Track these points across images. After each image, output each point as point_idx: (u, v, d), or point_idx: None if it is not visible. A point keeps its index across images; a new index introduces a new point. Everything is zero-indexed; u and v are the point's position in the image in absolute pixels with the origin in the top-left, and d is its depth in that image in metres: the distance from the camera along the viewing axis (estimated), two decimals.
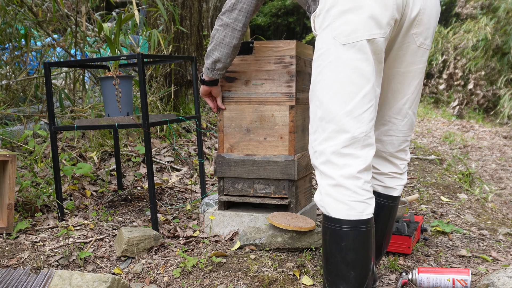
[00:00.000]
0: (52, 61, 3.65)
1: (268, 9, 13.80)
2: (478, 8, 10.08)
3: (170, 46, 4.22)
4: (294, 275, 1.92)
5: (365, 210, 1.44)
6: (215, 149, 3.97)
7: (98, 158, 3.42)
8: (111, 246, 2.31)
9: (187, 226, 2.54)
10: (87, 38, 4.26)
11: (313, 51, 1.80)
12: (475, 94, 9.81)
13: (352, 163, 1.43)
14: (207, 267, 1.98)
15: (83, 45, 4.16)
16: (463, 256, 2.31)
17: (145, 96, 2.29)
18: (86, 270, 2.11)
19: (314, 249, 2.12)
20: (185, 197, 3.05)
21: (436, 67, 10.62)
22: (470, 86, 9.83)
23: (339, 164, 1.44)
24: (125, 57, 2.37)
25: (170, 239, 2.38)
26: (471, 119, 9.23)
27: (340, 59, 1.42)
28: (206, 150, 3.90)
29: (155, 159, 3.57)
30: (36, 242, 2.29)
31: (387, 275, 2.07)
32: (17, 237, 2.34)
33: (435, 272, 1.96)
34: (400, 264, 2.17)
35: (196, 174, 3.44)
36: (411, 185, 3.59)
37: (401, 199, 2.37)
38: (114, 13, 4.49)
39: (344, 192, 1.43)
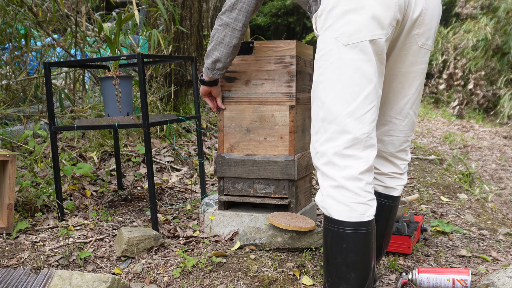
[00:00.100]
0: (52, 61, 3.66)
1: (268, 9, 13.80)
2: (478, 8, 10.08)
3: (170, 46, 4.22)
4: (294, 275, 1.92)
5: (367, 211, 1.44)
6: (215, 149, 3.97)
7: (98, 158, 3.42)
8: (111, 246, 2.31)
9: (187, 226, 2.54)
10: (87, 38, 4.26)
11: (314, 51, 1.80)
12: (475, 94, 9.81)
13: (354, 164, 1.43)
14: (207, 267, 1.98)
15: (83, 45, 4.16)
16: (463, 256, 2.31)
17: (145, 96, 2.29)
18: (86, 270, 2.11)
19: (314, 249, 2.12)
20: (185, 197, 3.05)
21: (436, 67, 10.62)
22: (470, 86, 9.83)
23: (341, 165, 1.43)
24: (125, 57, 2.37)
25: (170, 239, 2.38)
26: (471, 119, 9.23)
27: (342, 59, 1.42)
28: (206, 150, 3.90)
29: (155, 159, 3.57)
30: (36, 242, 2.29)
31: (387, 275, 2.07)
32: (17, 237, 2.34)
33: (435, 272, 1.96)
34: (400, 264, 2.17)
35: (196, 174, 3.44)
36: (411, 185, 3.59)
37: (401, 199, 2.37)
38: (114, 13, 4.49)
39: (345, 194, 1.43)
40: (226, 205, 2.37)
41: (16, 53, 4.45)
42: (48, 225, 2.50)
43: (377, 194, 1.75)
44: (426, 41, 1.57)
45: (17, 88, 4.42)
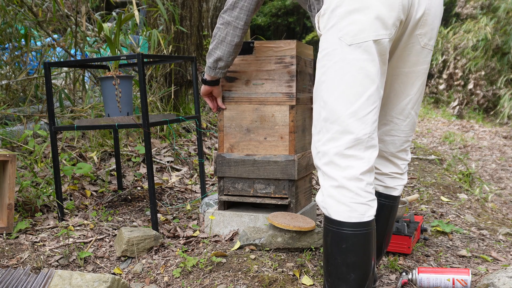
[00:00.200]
0: (52, 61, 3.66)
1: (268, 9, 13.80)
2: (478, 8, 10.08)
3: (170, 46, 4.22)
4: (294, 275, 1.92)
5: (367, 212, 1.44)
6: (215, 149, 3.97)
7: (98, 158, 3.42)
8: (111, 246, 2.31)
9: (187, 226, 2.54)
10: (87, 38, 4.26)
11: (314, 51, 1.79)
12: (475, 94, 9.81)
13: (355, 165, 1.43)
14: (207, 267, 1.98)
15: (83, 45, 4.16)
16: (463, 256, 2.31)
17: (145, 96, 2.29)
18: (86, 270, 2.11)
19: (314, 249, 2.12)
20: (185, 197, 3.05)
21: (436, 67, 10.62)
22: (470, 86, 9.83)
23: (342, 166, 1.43)
24: (125, 57, 2.37)
25: (170, 239, 2.38)
26: (471, 119, 9.23)
27: (346, 59, 1.41)
28: (206, 150, 3.90)
29: (155, 159, 3.57)
30: (36, 242, 2.29)
31: (387, 275, 2.07)
32: (17, 237, 2.34)
33: (435, 272, 1.96)
34: (400, 264, 2.17)
35: (196, 174, 3.44)
36: (411, 185, 3.59)
37: (401, 199, 2.37)
38: (114, 13, 4.49)
39: (346, 194, 1.43)
40: (226, 205, 2.37)
41: (16, 53, 4.45)
42: (48, 225, 2.50)
43: (377, 194, 1.75)
44: (429, 41, 1.57)
45: (17, 88, 4.42)
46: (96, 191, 3.02)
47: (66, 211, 2.67)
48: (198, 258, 2.06)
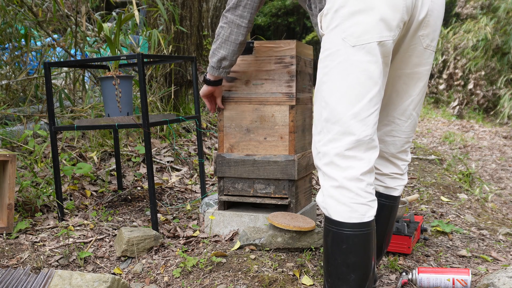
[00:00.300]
0: (52, 61, 3.66)
1: (268, 9, 13.81)
2: (478, 8, 10.08)
3: (170, 46, 4.22)
4: (294, 275, 1.92)
5: (367, 212, 1.44)
6: (215, 149, 3.97)
7: (98, 158, 3.42)
8: (111, 246, 2.31)
9: (187, 226, 2.54)
10: (87, 38, 4.26)
11: (314, 51, 1.79)
12: (475, 94, 9.81)
13: (356, 165, 1.43)
14: (207, 267, 1.98)
15: (83, 45, 4.16)
16: (463, 256, 2.31)
17: (145, 96, 2.29)
18: (86, 270, 2.11)
19: (314, 249, 2.12)
20: (185, 197, 3.05)
21: (436, 67, 10.63)
22: (470, 86, 9.83)
23: (343, 166, 1.43)
24: (125, 57, 2.37)
25: (170, 239, 2.38)
26: (471, 119, 9.23)
27: (349, 60, 1.41)
28: (206, 150, 3.90)
29: (155, 159, 3.57)
30: (36, 242, 2.29)
31: (387, 275, 2.07)
32: (17, 237, 2.34)
33: (435, 272, 1.96)
34: (400, 264, 2.17)
35: (196, 174, 3.44)
36: (411, 185, 3.59)
37: (401, 199, 2.37)
38: (114, 13, 4.49)
39: (346, 194, 1.42)
40: (226, 205, 2.37)
41: (16, 53, 4.45)
42: (48, 225, 2.50)
43: (378, 194, 1.75)
44: (431, 42, 1.57)
45: (17, 88, 4.42)
46: (96, 191, 3.02)
47: (66, 211, 2.67)
48: (198, 258, 2.06)
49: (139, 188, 3.13)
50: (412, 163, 4.43)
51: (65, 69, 4.28)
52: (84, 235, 2.39)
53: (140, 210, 2.79)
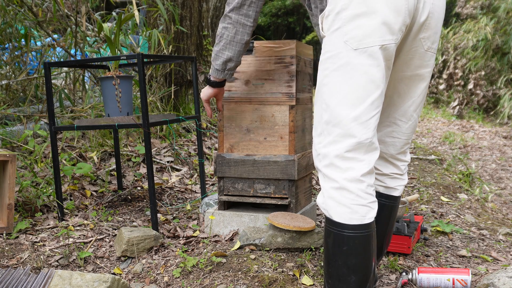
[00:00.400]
0: (52, 61, 3.66)
1: (268, 9, 13.81)
2: (478, 8, 10.08)
3: (170, 46, 4.22)
4: (294, 275, 1.92)
5: (368, 214, 1.43)
6: (215, 149, 3.97)
7: (98, 158, 3.42)
8: (111, 246, 2.31)
9: (187, 226, 2.54)
10: (87, 38, 4.26)
11: (314, 51, 1.78)
12: (475, 94, 9.81)
13: (356, 166, 1.42)
14: (207, 267, 1.98)
15: (83, 45, 4.16)
16: (463, 256, 2.31)
17: (145, 96, 2.29)
18: (86, 270, 2.11)
19: (314, 249, 2.12)
20: (185, 197, 3.05)
21: (436, 67, 10.62)
22: (470, 86, 9.83)
23: (343, 167, 1.43)
24: (125, 57, 2.37)
25: (170, 239, 2.38)
26: (471, 119, 9.23)
27: (351, 64, 1.40)
28: (206, 150, 3.90)
29: (155, 159, 3.57)
30: (36, 242, 2.29)
31: (387, 275, 2.07)
32: (17, 237, 2.34)
33: (435, 272, 1.96)
34: (400, 264, 2.17)
35: (196, 174, 3.44)
36: (411, 185, 3.59)
37: (401, 199, 2.37)
38: (114, 13, 4.49)
39: (347, 196, 1.42)
40: (226, 205, 2.37)
41: (16, 53, 4.45)
42: (48, 225, 2.50)
43: (378, 194, 1.75)
44: (432, 45, 1.56)
45: (17, 88, 4.42)
46: (96, 191, 3.02)
47: (66, 211, 2.67)
48: (198, 258, 2.06)
49: (139, 188, 3.13)
50: (412, 163, 4.43)
51: (65, 69, 4.28)
52: (84, 235, 2.39)
53: (140, 210, 2.79)
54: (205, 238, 2.32)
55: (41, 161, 3.21)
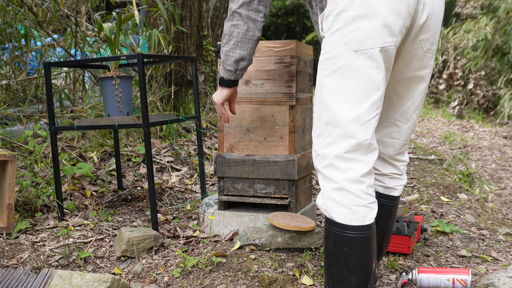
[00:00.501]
0: (52, 61, 3.66)
1: None
2: (478, 8, 10.08)
3: (170, 46, 4.22)
4: (294, 275, 1.92)
5: (368, 214, 1.43)
6: (215, 149, 3.97)
7: (98, 158, 3.42)
8: (111, 246, 2.31)
9: (187, 226, 2.54)
10: (87, 38, 4.26)
11: (314, 51, 1.78)
12: (475, 94, 9.81)
13: (355, 167, 1.42)
14: (207, 267, 1.98)
15: (83, 45, 4.17)
16: (463, 256, 2.31)
17: (145, 96, 2.29)
18: (86, 270, 2.11)
19: (314, 249, 2.12)
20: (185, 197, 3.05)
21: (436, 67, 10.63)
22: (470, 86, 9.83)
23: (342, 168, 1.42)
24: (125, 57, 2.37)
25: (170, 239, 2.38)
26: (471, 119, 9.23)
27: (351, 65, 1.40)
28: (206, 150, 3.90)
29: (155, 159, 3.57)
30: (36, 242, 2.29)
31: (387, 275, 2.07)
32: (17, 237, 2.34)
33: (435, 272, 1.96)
34: (400, 264, 2.17)
35: (196, 174, 3.44)
36: (411, 185, 3.59)
37: (401, 199, 2.37)
38: (114, 13, 4.49)
39: (347, 196, 1.42)
40: (226, 205, 2.37)
41: (16, 53, 4.45)
42: (48, 225, 2.50)
43: (378, 194, 1.75)
44: (431, 46, 1.56)
45: (17, 88, 4.42)
46: (96, 191, 3.02)
47: (66, 211, 2.67)
48: (198, 258, 2.06)
49: (139, 188, 3.13)
50: (412, 163, 4.43)
51: (65, 69, 4.28)
52: (84, 235, 2.39)
53: (140, 210, 2.79)
54: (205, 238, 2.32)
55: (41, 161, 3.21)
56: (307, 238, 2.11)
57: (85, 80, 4.34)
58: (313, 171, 2.67)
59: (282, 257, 2.06)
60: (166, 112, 4.21)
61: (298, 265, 1.99)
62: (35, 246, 2.25)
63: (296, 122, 2.22)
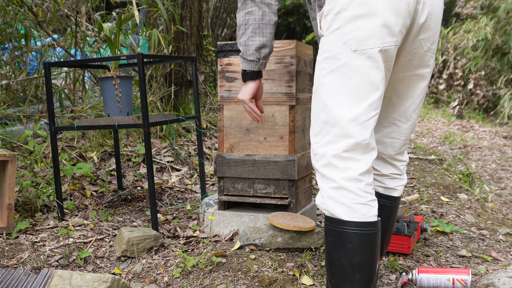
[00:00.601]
0: (52, 61, 3.66)
1: None
2: (478, 8, 10.08)
3: (170, 46, 4.22)
4: (294, 275, 1.92)
5: (368, 212, 1.43)
6: (215, 149, 3.97)
7: (98, 158, 3.42)
8: (111, 246, 2.31)
9: (187, 226, 2.54)
10: (87, 38, 4.26)
11: (314, 51, 1.77)
12: (475, 94, 9.81)
13: (354, 166, 1.42)
14: (207, 267, 1.98)
15: (83, 45, 4.17)
16: (463, 256, 2.31)
17: (145, 96, 2.29)
18: (86, 270, 2.11)
19: (314, 249, 2.12)
20: (185, 197, 3.05)
21: (436, 67, 10.63)
22: (470, 86, 9.83)
23: (341, 167, 1.42)
24: (125, 57, 2.37)
25: (170, 239, 2.38)
26: (471, 119, 9.23)
27: (350, 65, 1.39)
28: (206, 150, 3.90)
29: (155, 159, 3.57)
30: (36, 242, 2.29)
31: (387, 275, 2.07)
32: (17, 237, 2.34)
33: (435, 272, 1.96)
34: (400, 264, 2.17)
35: (196, 174, 3.44)
36: (411, 185, 3.59)
37: (401, 199, 2.37)
38: (114, 13, 4.49)
39: (346, 195, 1.41)
40: (226, 205, 2.37)
41: (16, 53, 4.45)
42: (48, 225, 2.50)
43: (378, 195, 1.74)
44: (431, 45, 1.56)
45: (17, 88, 4.42)
46: (96, 191, 3.02)
47: (66, 211, 2.67)
48: (198, 258, 2.06)
49: (139, 188, 3.13)
50: (412, 163, 4.43)
51: (65, 69, 4.28)
52: (84, 235, 2.39)
53: (140, 210, 2.79)
54: (205, 238, 2.32)
55: (41, 161, 3.21)
56: (307, 238, 2.11)
57: (85, 80, 4.34)
58: (313, 171, 2.67)
59: (282, 257, 2.06)
60: (166, 112, 4.21)
61: (298, 265, 1.99)
62: (35, 246, 2.25)
63: (296, 122, 2.22)
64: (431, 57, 1.59)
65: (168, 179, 3.35)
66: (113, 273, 2.09)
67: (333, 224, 1.45)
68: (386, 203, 1.76)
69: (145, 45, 4.45)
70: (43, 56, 4.40)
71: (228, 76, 2.25)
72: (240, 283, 1.86)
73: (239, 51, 2.18)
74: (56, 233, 2.41)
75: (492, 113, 9.47)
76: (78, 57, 4.25)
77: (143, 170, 3.40)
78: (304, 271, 1.96)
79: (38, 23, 4.14)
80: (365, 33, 1.38)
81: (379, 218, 1.46)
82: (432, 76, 10.82)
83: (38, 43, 4.71)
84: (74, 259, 2.17)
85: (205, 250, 2.16)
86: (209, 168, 3.57)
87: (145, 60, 2.73)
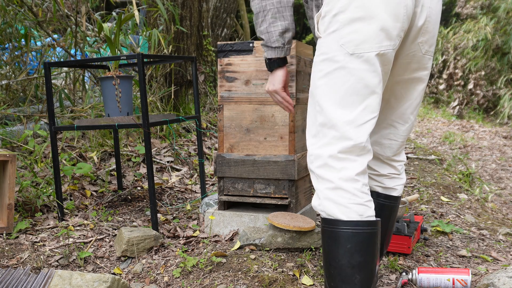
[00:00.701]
0: (52, 61, 3.66)
1: None
2: (478, 8, 10.08)
3: (170, 46, 4.22)
4: (294, 275, 1.92)
5: (365, 212, 1.43)
6: (215, 149, 3.97)
7: (98, 158, 3.42)
8: (111, 246, 2.31)
9: (187, 226, 2.54)
10: (87, 38, 4.26)
11: (313, 51, 1.77)
12: (475, 94, 9.81)
13: (350, 166, 1.42)
14: (207, 267, 1.98)
15: (83, 45, 4.17)
16: (463, 256, 2.31)
17: (145, 96, 2.29)
18: (86, 270, 2.11)
19: (314, 249, 2.12)
20: (185, 197, 3.05)
21: (436, 67, 10.63)
22: (470, 86, 9.83)
23: (337, 167, 1.42)
24: (125, 57, 2.37)
25: (170, 239, 2.38)
26: (471, 119, 9.23)
27: (347, 68, 1.39)
28: (206, 150, 3.90)
29: (155, 159, 3.57)
30: (36, 242, 2.29)
31: (387, 275, 2.07)
32: (17, 237, 2.34)
33: (435, 272, 1.96)
34: (400, 264, 2.17)
35: (196, 174, 3.44)
36: (411, 185, 3.60)
37: (401, 199, 2.37)
38: (114, 13, 4.49)
39: (343, 195, 1.41)
40: (226, 205, 2.37)
41: (16, 53, 4.45)
42: (48, 225, 2.50)
43: (377, 194, 1.74)
44: (429, 48, 1.56)
45: (17, 88, 4.42)
46: (96, 191, 3.02)
47: (66, 211, 2.67)
48: (198, 258, 2.06)
49: (139, 188, 3.13)
50: (412, 163, 4.43)
51: (65, 69, 4.28)
52: (84, 235, 2.39)
53: (140, 210, 2.79)
54: (205, 238, 2.32)
55: (41, 161, 3.21)
56: (307, 238, 2.11)
57: (85, 80, 4.34)
58: None
59: (282, 257, 2.06)
60: (166, 112, 4.21)
61: (298, 265, 1.99)
62: (35, 246, 2.25)
63: (296, 122, 2.22)
64: (429, 59, 1.59)
65: (168, 179, 3.35)
66: (113, 273, 2.09)
67: (330, 225, 1.44)
68: (386, 202, 1.76)
69: (145, 45, 4.45)
70: (43, 56, 4.41)
71: (228, 76, 2.25)
72: (240, 283, 1.86)
73: (239, 51, 2.19)
74: (56, 233, 2.41)
75: (492, 113, 9.47)
76: (78, 57, 4.25)
77: (143, 170, 3.40)
78: (304, 271, 1.96)
79: (38, 23, 4.14)
80: (362, 36, 1.37)
81: (379, 218, 1.46)
82: (432, 76, 10.82)
83: (38, 43, 4.71)
84: (74, 259, 2.17)
85: (205, 250, 2.16)
86: (209, 168, 3.57)
87: (145, 60, 2.73)
